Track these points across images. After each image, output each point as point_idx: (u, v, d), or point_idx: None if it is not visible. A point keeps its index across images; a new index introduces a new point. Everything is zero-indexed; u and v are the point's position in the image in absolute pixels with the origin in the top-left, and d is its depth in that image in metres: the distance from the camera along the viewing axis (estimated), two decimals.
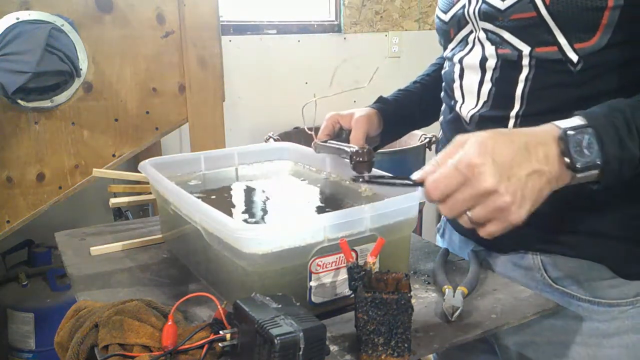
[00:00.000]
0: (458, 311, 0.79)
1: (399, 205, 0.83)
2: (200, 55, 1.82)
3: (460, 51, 0.93)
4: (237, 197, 1.06)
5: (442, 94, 1.02)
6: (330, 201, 1.02)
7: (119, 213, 2.12)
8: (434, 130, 2.37)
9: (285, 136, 2.31)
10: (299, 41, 2.59)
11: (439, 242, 1.13)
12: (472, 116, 0.90)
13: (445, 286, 0.85)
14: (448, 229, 1.10)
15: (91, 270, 0.96)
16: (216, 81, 1.86)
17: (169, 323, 0.72)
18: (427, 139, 2.31)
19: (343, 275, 0.80)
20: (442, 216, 1.14)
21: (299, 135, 2.50)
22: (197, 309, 0.82)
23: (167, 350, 0.69)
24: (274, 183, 1.14)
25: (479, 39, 0.88)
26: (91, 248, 1.03)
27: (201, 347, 0.69)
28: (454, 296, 0.82)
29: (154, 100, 1.78)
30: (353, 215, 0.80)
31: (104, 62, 1.69)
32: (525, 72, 0.82)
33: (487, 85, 0.88)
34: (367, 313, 0.69)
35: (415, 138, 2.39)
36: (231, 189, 1.09)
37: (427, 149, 2.33)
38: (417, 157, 2.28)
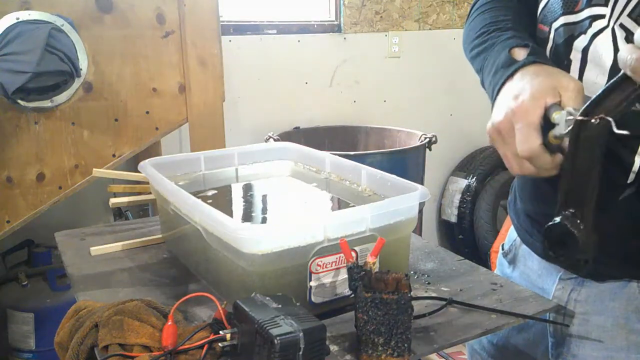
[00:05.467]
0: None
1: (399, 205, 0.83)
2: (200, 55, 1.81)
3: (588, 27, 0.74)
4: (237, 197, 1.06)
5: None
6: (330, 201, 1.03)
7: (119, 213, 2.12)
8: (434, 130, 2.38)
9: (285, 136, 2.31)
10: (299, 41, 2.59)
11: (505, 272, 0.99)
12: None
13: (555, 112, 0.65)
14: (522, 254, 0.96)
15: (91, 270, 0.96)
16: (216, 81, 1.86)
17: (169, 323, 0.72)
18: (427, 139, 2.30)
19: (343, 275, 0.80)
20: (514, 240, 0.99)
21: (299, 135, 2.51)
22: (197, 309, 0.82)
23: (167, 350, 0.69)
24: (274, 183, 1.14)
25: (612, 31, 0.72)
26: (91, 248, 1.03)
27: (201, 347, 0.69)
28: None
29: (154, 100, 1.78)
30: (353, 215, 0.80)
31: (104, 62, 1.69)
32: None
33: None
34: (367, 313, 0.69)
35: (415, 138, 2.38)
36: (231, 189, 1.09)
37: (427, 149, 2.33)
38: (417, 157, 2.27)
